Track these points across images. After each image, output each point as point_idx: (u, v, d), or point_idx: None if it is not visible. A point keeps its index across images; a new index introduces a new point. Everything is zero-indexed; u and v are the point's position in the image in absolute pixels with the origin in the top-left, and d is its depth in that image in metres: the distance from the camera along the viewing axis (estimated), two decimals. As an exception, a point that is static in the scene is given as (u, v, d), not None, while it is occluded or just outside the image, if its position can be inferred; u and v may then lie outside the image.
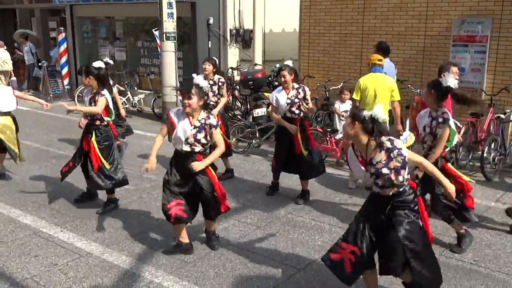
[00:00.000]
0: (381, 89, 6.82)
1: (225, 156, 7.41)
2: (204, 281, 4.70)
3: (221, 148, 5.09)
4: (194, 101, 4.86)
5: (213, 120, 5.02)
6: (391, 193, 3.88)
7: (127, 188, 7.17)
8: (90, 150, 6.17)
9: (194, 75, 5.31)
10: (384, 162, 3.74)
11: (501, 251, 5.35)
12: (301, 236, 5.71)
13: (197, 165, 4.95)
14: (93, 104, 6.11)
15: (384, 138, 3.77)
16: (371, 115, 3.78)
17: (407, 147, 3.97)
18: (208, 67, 7.51)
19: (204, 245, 5.45)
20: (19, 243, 5.48)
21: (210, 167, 5.11)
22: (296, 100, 6.52)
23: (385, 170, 3.73)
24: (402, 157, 3.72)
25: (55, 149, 9.46)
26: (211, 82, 7.43)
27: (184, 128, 4.93)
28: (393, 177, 3.75)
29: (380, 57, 7.09)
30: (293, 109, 6.54)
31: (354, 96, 7.05)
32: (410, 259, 3.80)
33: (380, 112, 3.81)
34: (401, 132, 6.00)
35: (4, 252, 5.26)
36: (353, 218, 4.18)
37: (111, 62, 8.98)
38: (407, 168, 3.79)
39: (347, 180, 7.48)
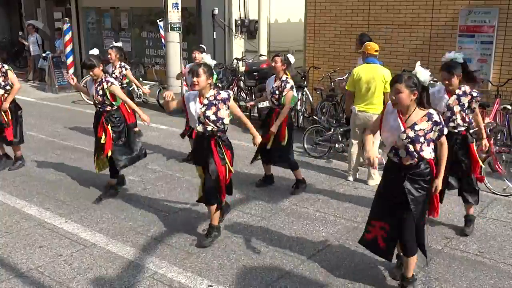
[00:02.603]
0: (375, 81, 6.74)
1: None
2: (208, 272, 4.70)
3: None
4: (203, 79, 4.91)
5: (224, 94, 5.06)
6: (408, 163, 4.04)
7: (132, 179, 7.18)
8: (106, 138, 6.25)
9: (204, 54, 5.42)
10: (426, 131, 3.98)
11: (506, 242, 5.32)
12: (305, 227, 5.71)
13: (259, 139, 5.38)
14: (100, 91, 6.20)
15: (434, 111, 4.02)
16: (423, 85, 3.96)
17: None
18: (199, 55, 7.61)
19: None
20: (24, 234, 5.50)
21: (219, 155, 5.10)
22: (277, 92, 6.56)
23: (422, 139, 3.97)
24: (440, 134, 4.02)
25: (60, 140, 9.48)
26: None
27: (195, 108, 5.04)
28: (424, 147, 3.97)
29: (377, 47, 6.93)
30: (273, 99, 6.63)
31: (348, 87, 6.99)
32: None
33: (426, 75, 3.96)
34: None
35: (9, 243, 5.28)
36: (369, 204, 4.36)
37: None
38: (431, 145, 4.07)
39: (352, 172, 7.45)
